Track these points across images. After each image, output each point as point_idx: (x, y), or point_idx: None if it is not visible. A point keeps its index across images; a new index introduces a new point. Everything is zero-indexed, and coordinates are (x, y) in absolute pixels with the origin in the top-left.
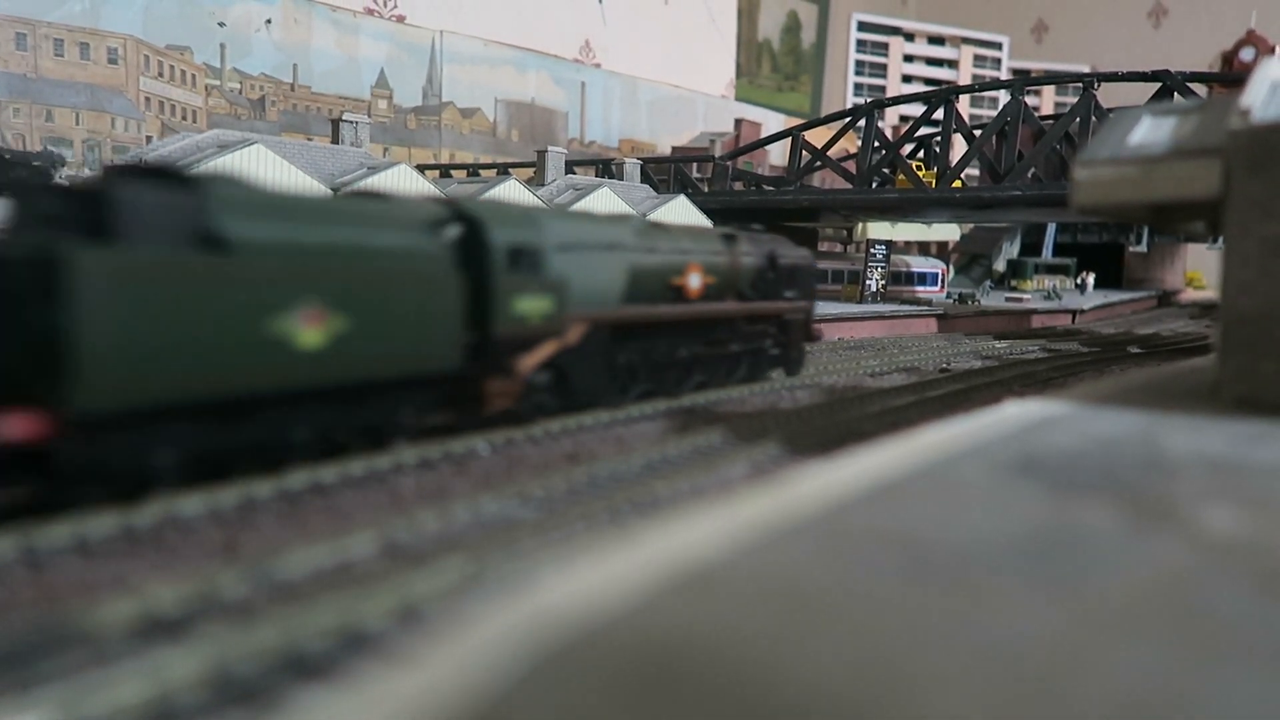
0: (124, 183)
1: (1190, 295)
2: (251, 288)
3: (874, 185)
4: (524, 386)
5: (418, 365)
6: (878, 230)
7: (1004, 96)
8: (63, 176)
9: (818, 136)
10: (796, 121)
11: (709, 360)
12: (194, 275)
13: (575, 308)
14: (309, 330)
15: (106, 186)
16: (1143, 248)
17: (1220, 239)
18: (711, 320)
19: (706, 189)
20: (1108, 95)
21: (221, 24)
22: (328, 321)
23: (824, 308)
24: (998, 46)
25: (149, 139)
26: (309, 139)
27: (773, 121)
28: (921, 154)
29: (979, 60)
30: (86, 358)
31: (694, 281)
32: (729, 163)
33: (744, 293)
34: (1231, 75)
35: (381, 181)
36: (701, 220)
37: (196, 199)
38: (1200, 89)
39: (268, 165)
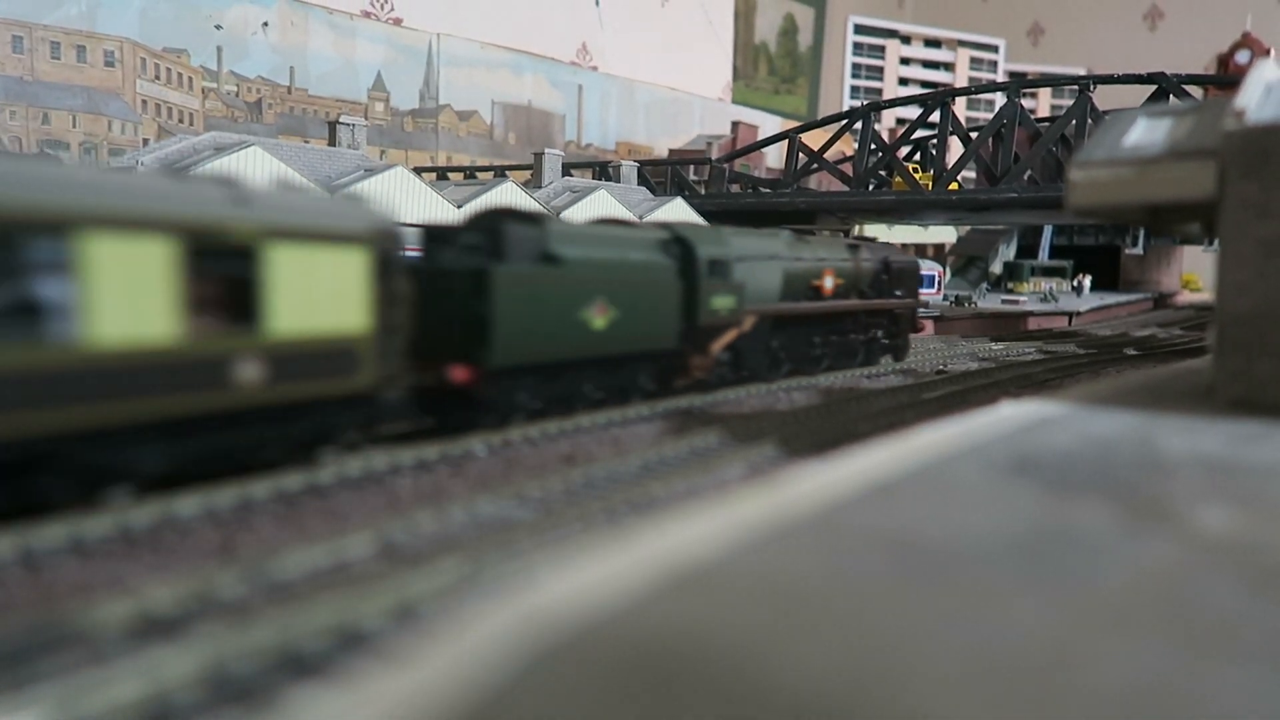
0: (507, 223)
1: (1186, 298)
2: (570, 288)
3: (870, 187)
4: (714, 362)
5: (652, 344)
6: (874, 233)
7: (1000, 99)
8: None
9: (814, 139)
10: (793, 124)
11: (837, 346)
12: (542, 280)
13: (749, 304)
14: (598, 317)
15: (499, 226)
16: (1139, 250)
17: (1216, 240)
18: (840, 314)
19: (703, 191)
20: (1104, 97)
21: (218, 27)
22: (608, 312)
23: None
24: (994, 49)
25: (146, 142)
26: (306, 141)
27: (769, 124)
28: (918, 156)
29: (975, 63)
30: (496, 333)
31: (828, 283)
32: (726, 165)
33: (864, 292)
34: (1227, 78)
35: (378, 184)
36: (699, 221)
37: (541, 231)
38: (1196, 91)
39: (264, 167)
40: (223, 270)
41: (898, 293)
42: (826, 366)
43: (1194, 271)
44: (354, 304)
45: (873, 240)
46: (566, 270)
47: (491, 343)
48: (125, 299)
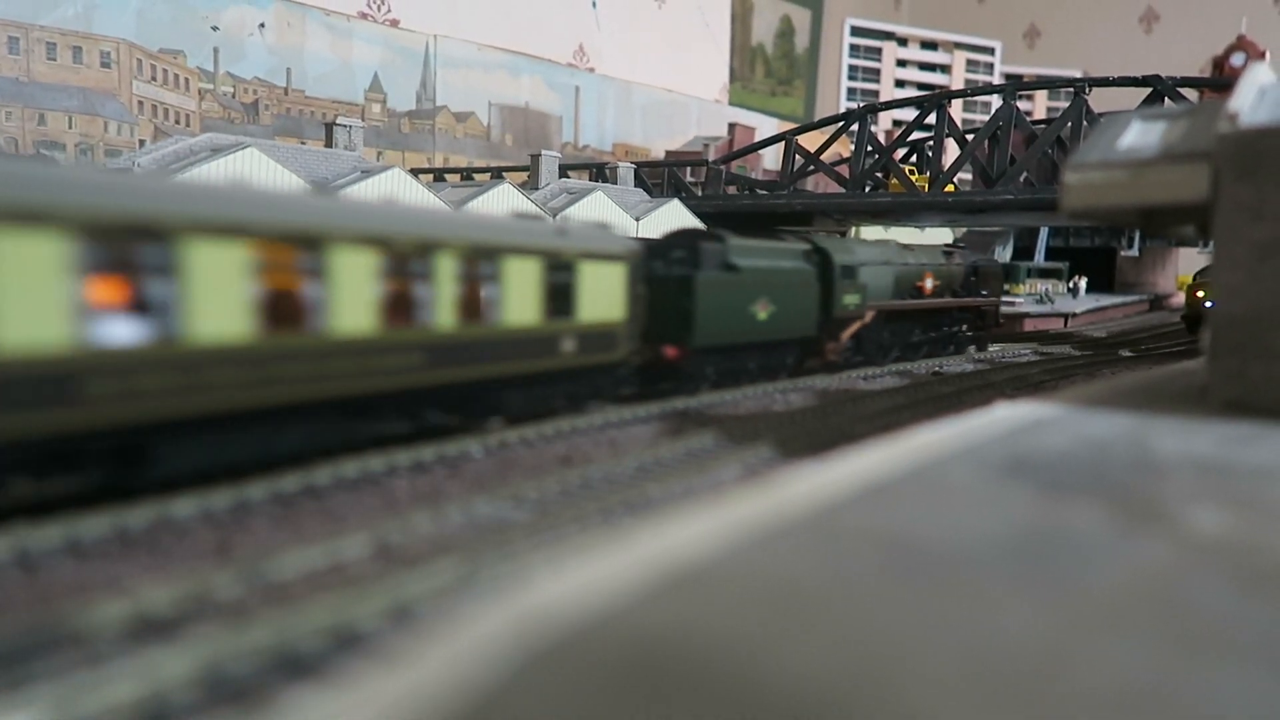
0: (701, 241)
1: (1182, 299)
2: (744, 289)
3: (867, 189)
4: (843, 347)
5: (798, 332)
6: (871, 235)
7: (996, 101)
8: None
9: (811, 141)
10: (790, 126)
11: (933, 337)
12: (726, 283)
13: (869, 301)
14: (762, 311)
15: (697, 244)
16: (1134, 252)
17: (1210, 242)
18: (936, 310)
19: (700, 193)
20: (1099, 100)
21: (215, 28)
22: (769, 307)
23: None
24: (990, 51)
25: (142, 143)
26: (303, 143)
27: (766, 126)
28: (914, 158)
29: (971, 65)
30: (696, 322)
31: (928, 284)
32: (722, 167)
33: (956, 291)
34: (1222, 80)
35: (375, 185)
36: (695, 223)
37: (724, 246)
38: (1191, 94)
39: (261, 169)
40: (559, 279)
41: (983, 292)
42: (924, 354)
43: (1189, 273)
44: (618, 302)
45: (961, 246)
46: (741, 276)
47: (694, 329)
48: (523, 298)
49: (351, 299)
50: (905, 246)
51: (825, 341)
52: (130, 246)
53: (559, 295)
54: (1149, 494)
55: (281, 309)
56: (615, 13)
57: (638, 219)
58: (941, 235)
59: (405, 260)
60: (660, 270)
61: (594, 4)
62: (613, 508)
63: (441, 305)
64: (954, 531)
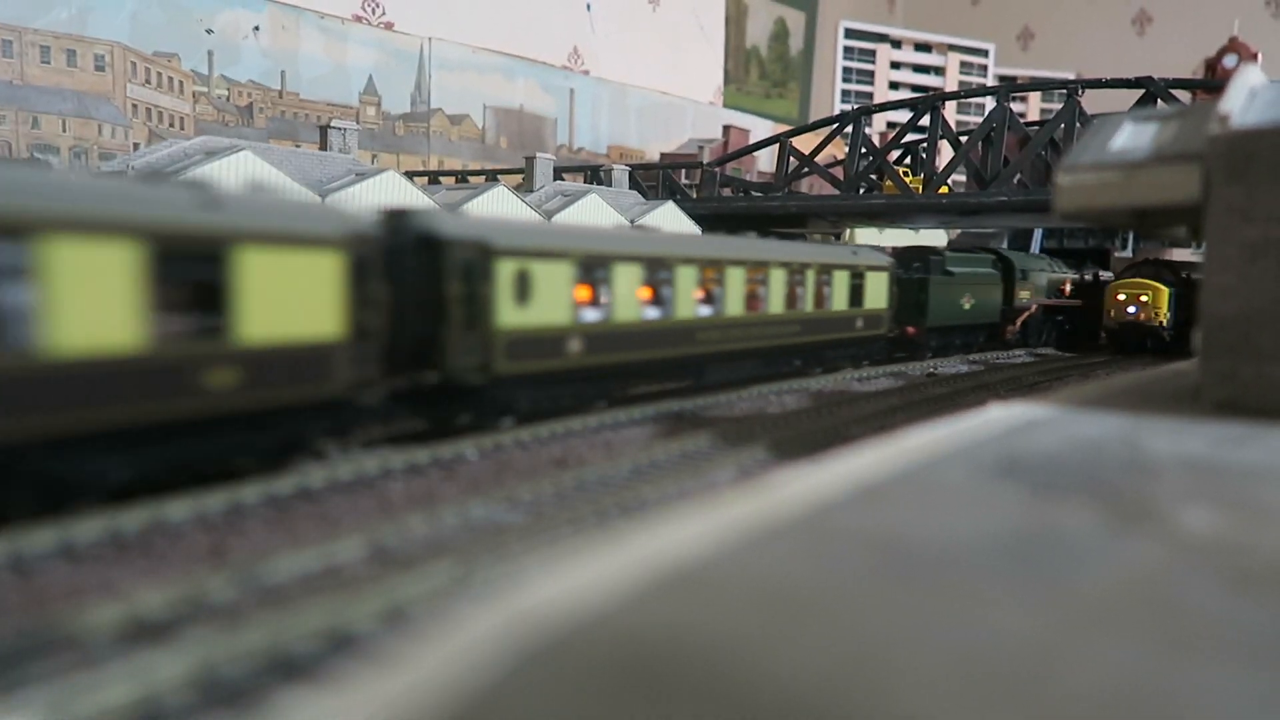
0: (929, 253)
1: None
2: (956, 287)
3: (861, 191)
4: (1016, 331)
5: (987, 319)
6: (865, 236)
7: (990, 103)
8: None
9: (805, 143)
10: (784, 128)
11: (1067, 329)
12: (946, 283)
13: (1034, 297)
14: (967, 303)
15: (927, 256)
16: (1128, 252)
17: (1202, 243)
18: (1066, 307)
19: (695, 195)
20: (1093, 101)
21: (209, 31)
22: (971, 301)
23: None
24: (984, 53)
25: (136, 146)
26: (297, 145)
27: (761, 128)
28: (908, 160)
29: (965, 67)
30: (929, 310)
31: (1067, 287)
32: (717, 169)
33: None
34: (1214, 82)
35: (369, 188)
36: (690, 227)
37: (944, 257)
38: (1184, 95)
39: (255, 172)
40: (855, 283)
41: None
42: (1056, 339)
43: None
44: (883, 296)
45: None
46: (955, 278)
47: (926, 315)
48: (840, 295)
49: (775, 295)
50: (1052, 259)
51: (1004, 325)
52: None
53: (855, 292)
54: (1141, 494)
55: (751, 304)
56: (610, 15)
57: (632, 221)
58: (936, 237)
59: (798, 273)
60: (904, 275)
61: (589, 6)
62: (607, 509)
63: (807, 299)
64: (947, 532)
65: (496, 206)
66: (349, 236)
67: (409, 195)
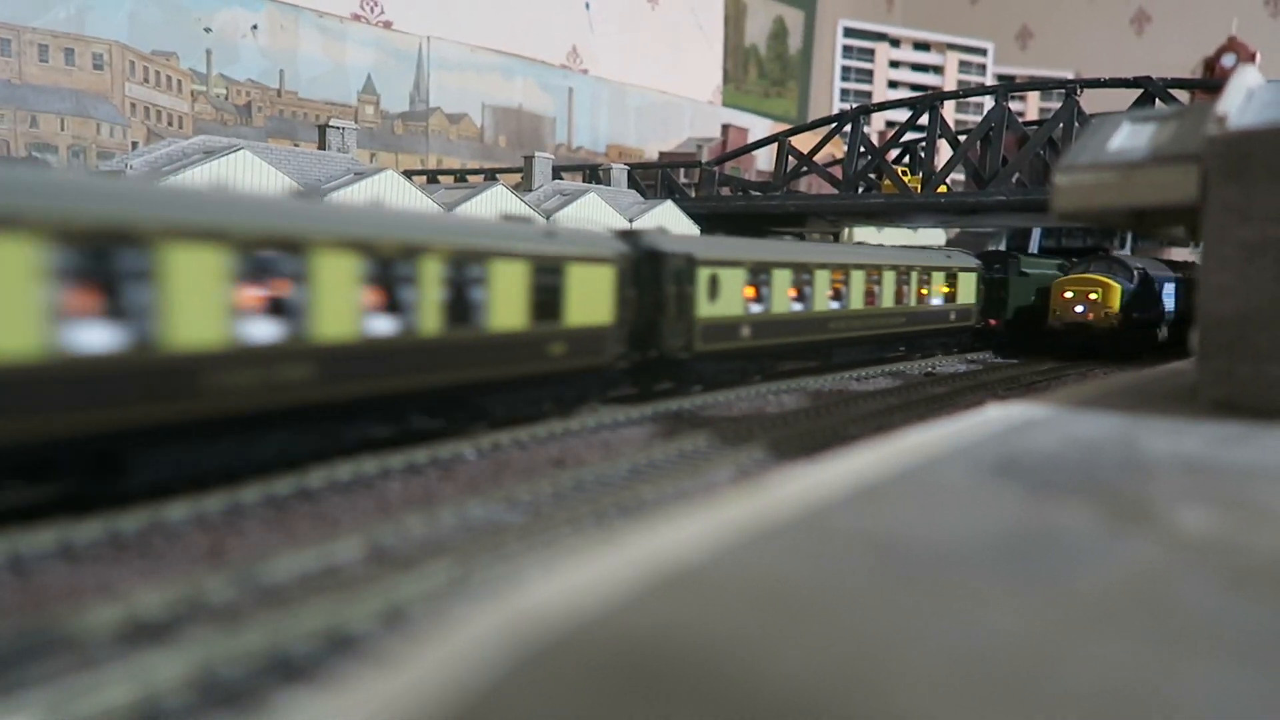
0: (1009, 257)
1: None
2: (1029, 286)
3: (860, 190)
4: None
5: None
6: (864, 235)
7: (989, 102)
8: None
9: (804, 142)
10: (783, 127)
11: None
12: (1021, 283)
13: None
14: (1034, 299)
15: (1007, 259)
16: (1126, 252)
17: (1200, 243)
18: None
19: (693, 194)
20: (1091, 101)
21: (208, 30)
22: (1029, 297)
23: None
24: (983, 53)
25: (134, 145)
26: (296, 145)
27: (759, 127)
28: (907, 159)
29: (964, 66)
30: (1009, 304)
31: None
32: (716, 168)
33: None
34: (1212, 81)
35: (368, 187)
36: (689, 226)
37: (1019, 261)
38: (1182, 95)
39: (254, 171)
40: (951, 281)
41: None
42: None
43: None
44: (972, 293)
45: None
46: (1029, 278)
47: (1006, 309)
48: (938, 291)
49: (887, 293)
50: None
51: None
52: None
53: (950, 290)
54: (1138, 494)
55: (868, 299)
56: (608, 14)
57: (631, 220)
58: (934, 236)
59: (904, 274)
60: (988, 275)
61: (587, 6)
62: (605, 510)
63: (911, 295)
64: (944, 532)
65: (495, 206)
66: (617, 254)
67: (407, 194)
